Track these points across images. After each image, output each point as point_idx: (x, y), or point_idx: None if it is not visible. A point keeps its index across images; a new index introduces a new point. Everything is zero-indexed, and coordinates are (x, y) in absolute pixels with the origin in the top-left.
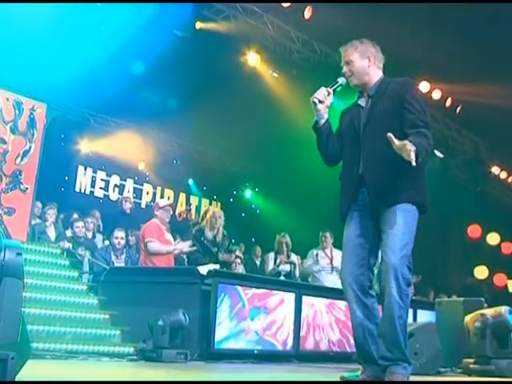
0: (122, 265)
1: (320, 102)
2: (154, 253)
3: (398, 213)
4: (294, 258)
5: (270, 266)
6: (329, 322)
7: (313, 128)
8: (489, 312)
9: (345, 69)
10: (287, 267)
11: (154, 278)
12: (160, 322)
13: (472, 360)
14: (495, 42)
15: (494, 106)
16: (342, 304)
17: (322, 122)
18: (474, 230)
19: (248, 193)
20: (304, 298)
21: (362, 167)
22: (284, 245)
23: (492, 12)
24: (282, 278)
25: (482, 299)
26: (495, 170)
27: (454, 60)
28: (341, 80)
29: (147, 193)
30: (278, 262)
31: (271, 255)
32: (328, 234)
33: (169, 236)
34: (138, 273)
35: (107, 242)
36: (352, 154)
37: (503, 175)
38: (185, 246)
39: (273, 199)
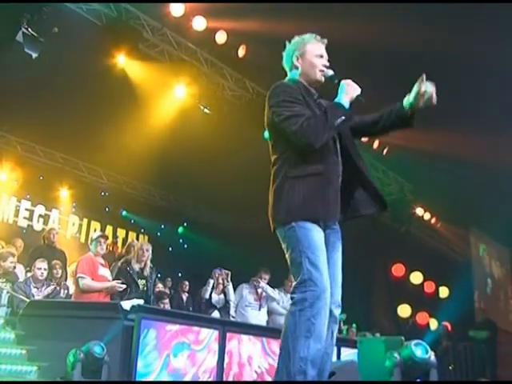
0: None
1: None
2: (85, 289)
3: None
4: (231, 294)
5: (206, 293)
6: (257, 361)
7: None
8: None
9: (326, 62)
10: (221, 299)
11: (76, 313)
12: (70, 357)
13: None
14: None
15: (419, 149)
16: (273, 344)
17: None
18: (398, 269)
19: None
20: (229, 334)
21: (340, 182)
22: (220, 279)
23: (418, 57)
24: (217, 312)
25: (402, 338)
26: (419, 211)
27: (381, 104)
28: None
29: (73, 224)
30: (213, 293)
31: (211, 281)
32: (264, 275)
33: (104, 271)
34: (58, 307)
35: (29, 274)
36: (331, 159)
37: (427, 216)
38: (115, 283)
39: (202, 234)
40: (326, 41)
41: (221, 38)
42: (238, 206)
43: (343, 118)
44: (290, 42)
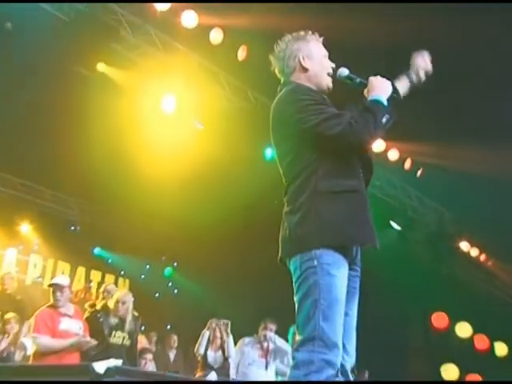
0: None
1: None
2: (44, 351)
3: None
4: (231, 349)
5: (201, 348)
6: None
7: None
8: None
9: (332, 63)
10: (219, 357)
11: (35, 379)
12: None
13: None
14: (464, 96)
15: (462, 170)
16: None
17: None
18: (439, 319)
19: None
20: None
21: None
22: (217, 331)
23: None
24: (214, 373)
25: None
26: (464, 246)
27: (414, 115)
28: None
29: (35, 266)
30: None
31: (206, 334)
32: (270, 325)
33: (70, 324)
34: (12, 372)
35: None
36: (360, 175)
37: (474, 252)
38: (81, 339)
39: (196, 277)
40: (321, 39)
41: (216, 37)
42: (241, 239)
43: (388, 117)
44: (281, 41)
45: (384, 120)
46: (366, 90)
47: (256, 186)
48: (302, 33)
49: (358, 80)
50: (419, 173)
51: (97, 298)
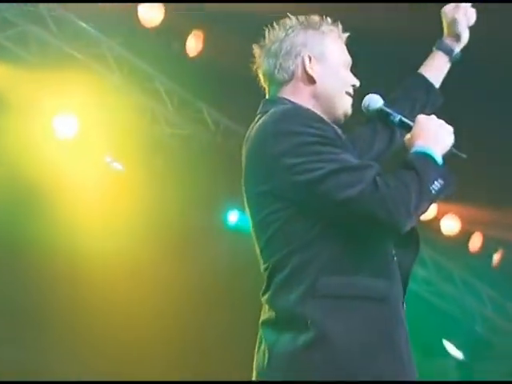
0: None
1: None
2: None
3: None
4: None
5: None
6: None
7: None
8: None
9: (355, 80)
10: None
11: None
12: None
13: None
14: None
15: None
16: None
17: None
18: None
19: None
20: None
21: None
22: None
23: None
24: None
25: None
26: None
27: (484, 166)
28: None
29: None
30: None
31: None
32: None
33: None
34: None
35: None
36: (395, 272)
37: None
38: None
39: None
40: (345, 36)
41: (151, 15)
42: (199, 360)
43: (442, 182)
44: (278, 26)
45: (436, 187)
46: (408, 136)
47: (212, 272)
48: (316, 18)
49: (398, 118)
50: (496, 258)
51: None
